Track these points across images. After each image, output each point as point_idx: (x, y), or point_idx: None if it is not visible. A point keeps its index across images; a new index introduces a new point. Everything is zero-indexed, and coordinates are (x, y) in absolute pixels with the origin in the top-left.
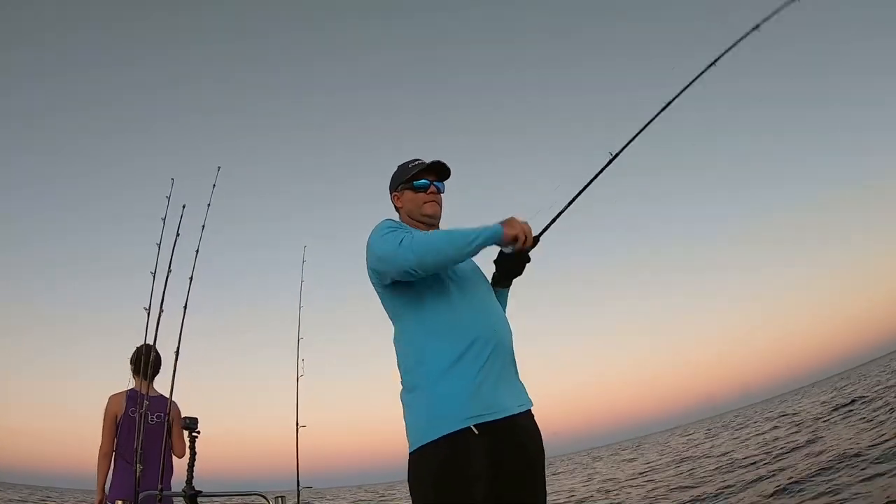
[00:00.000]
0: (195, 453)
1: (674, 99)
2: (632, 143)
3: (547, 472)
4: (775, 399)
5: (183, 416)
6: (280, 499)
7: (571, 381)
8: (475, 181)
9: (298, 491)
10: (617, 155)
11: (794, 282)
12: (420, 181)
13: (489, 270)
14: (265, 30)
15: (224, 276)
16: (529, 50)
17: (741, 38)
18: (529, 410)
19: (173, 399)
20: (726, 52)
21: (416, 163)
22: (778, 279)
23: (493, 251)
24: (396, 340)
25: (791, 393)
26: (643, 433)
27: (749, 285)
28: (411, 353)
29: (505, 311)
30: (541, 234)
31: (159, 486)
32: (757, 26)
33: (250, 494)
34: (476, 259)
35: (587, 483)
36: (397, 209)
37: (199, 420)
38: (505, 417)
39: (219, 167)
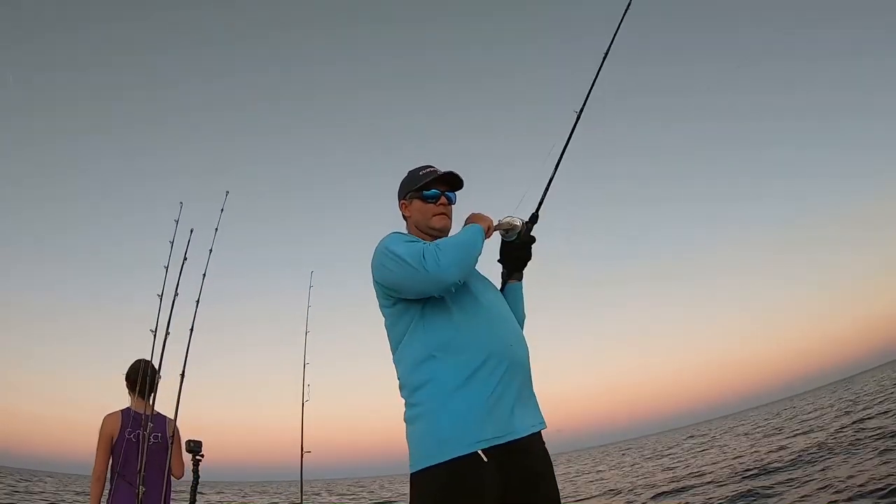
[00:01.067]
0: (198, 476)
1: (613, 39)
2: (592, 95)
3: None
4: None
5: (187, 439)
6: None
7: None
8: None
9: None
10: (582, 109)
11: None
12: (431, 191)
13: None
14: (277, 58)
15: (231, 300)
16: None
17: None
18: (540, 432)
19: (175, 423)
20: None
21: (428, 170)
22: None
23: (492, 254)
24: (400, 359)
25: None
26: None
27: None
28: (419, 372)
29: (523, 309)
30: (537, 209)
31: None
32: None
33: None
34: (479, 267)
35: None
36: (405, 217)
37: (202, 443)
38: (515, 440)
39: (227, 192)
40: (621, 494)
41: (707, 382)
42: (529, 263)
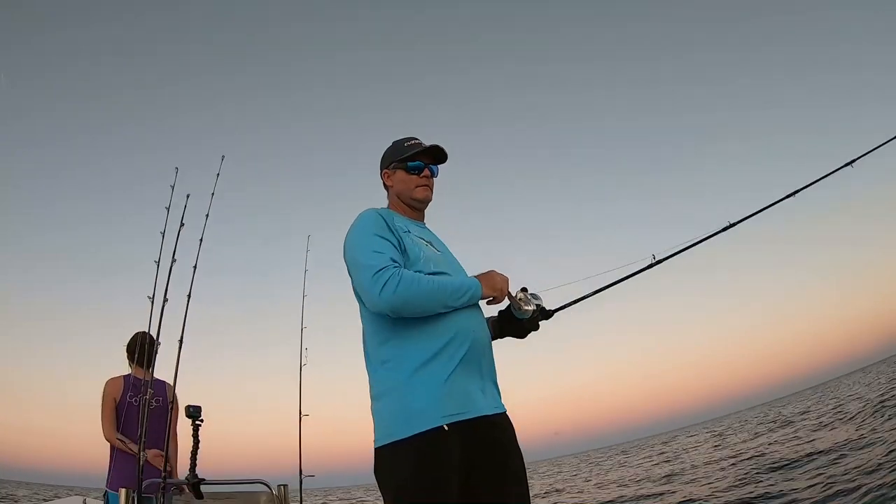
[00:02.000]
0: (198, 441)
1: (738, 222)
2: (678, 255)
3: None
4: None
5: (186, 404)
6: (282, 487)
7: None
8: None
9: (301, 479)
10: (659, 262)
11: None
12: (414, 162)
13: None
14: (270, 20)
15: (228, 266)
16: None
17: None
18: (504, 413)
19: (168, 383)
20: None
21: (413, 142)
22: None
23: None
24: (367, 332)
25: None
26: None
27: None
28: (385, 348)
29: None
30: (557, 310)
31: (163, 474)
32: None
33: (253, 482)
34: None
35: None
36: (387, 187)
37: (202, 408)
38: (478, 417)
39: (223, 156)
40: None
41: (707, 382)
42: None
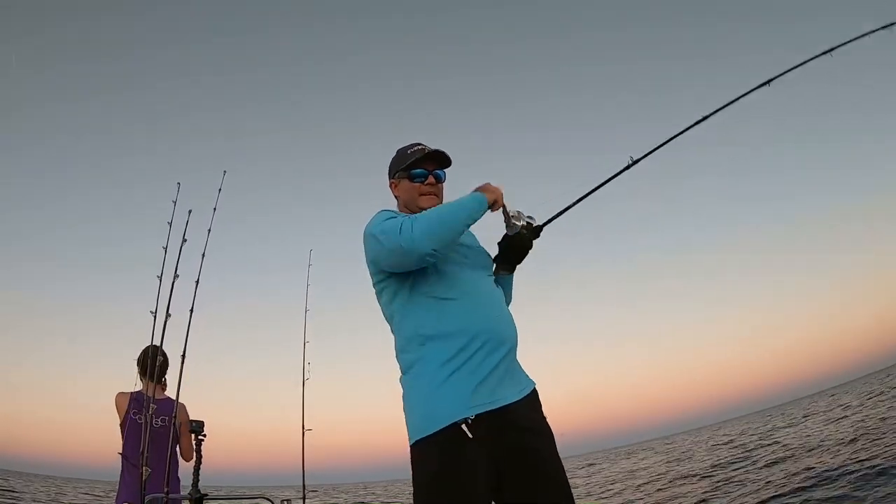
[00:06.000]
0: (201, 457)
1: (711, 115)
2: (655, 152)
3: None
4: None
5: (189, 419)
6: (286, 502)
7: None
8: (484, 173)
9: (304, 494)
10: (637, 161)
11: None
12: (418, 170)
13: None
14: (272, 35)
15: (231, 280)
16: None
17: (809, 60)
18: (530, 393)
19: (181, 402)
20: (789, 70)
21: (416, 149)
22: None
23: (495, 235)
24: (395, 336)
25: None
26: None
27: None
28: (407, 352)
29: (510, 299)
30: (545, 224)
31: (165, 489)
32: (829, 51)
33: (256, 498)
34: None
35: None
36: (395, 197)
37: (205, 423)
38: (501, 408)
39: (224, 171)
40: None
41: (705, 384)
42: (525, 261)
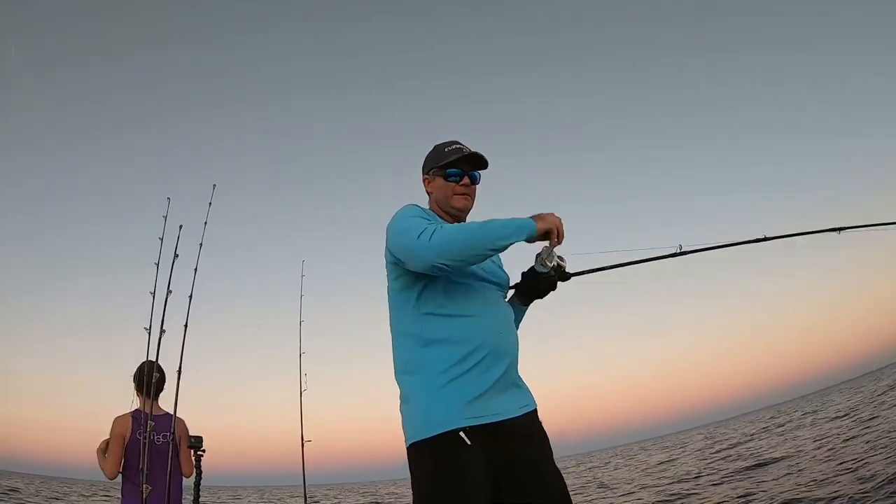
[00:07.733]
0: (201, 472)
1: (774, 238)
2: (703, 251)
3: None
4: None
5: (189, 434)
6: None
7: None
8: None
9: None
10: (684, 253)
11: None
12: (453, 170)
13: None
14: (261, 47)
15: (224, 294)
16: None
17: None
18: (531, 412)
19: (179, 416)
20: (861, 227)
21: (454, 147)
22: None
23: (516, 256)
24: (396, 340)
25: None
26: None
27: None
28: (409, 358)
29: (517, 328)
30: (577, 273)
31: None
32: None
33: None
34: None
35: None
36: (428, 193)
37: (203, 439)
38: (501, 421)
39: (214, 185)
40: None
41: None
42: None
